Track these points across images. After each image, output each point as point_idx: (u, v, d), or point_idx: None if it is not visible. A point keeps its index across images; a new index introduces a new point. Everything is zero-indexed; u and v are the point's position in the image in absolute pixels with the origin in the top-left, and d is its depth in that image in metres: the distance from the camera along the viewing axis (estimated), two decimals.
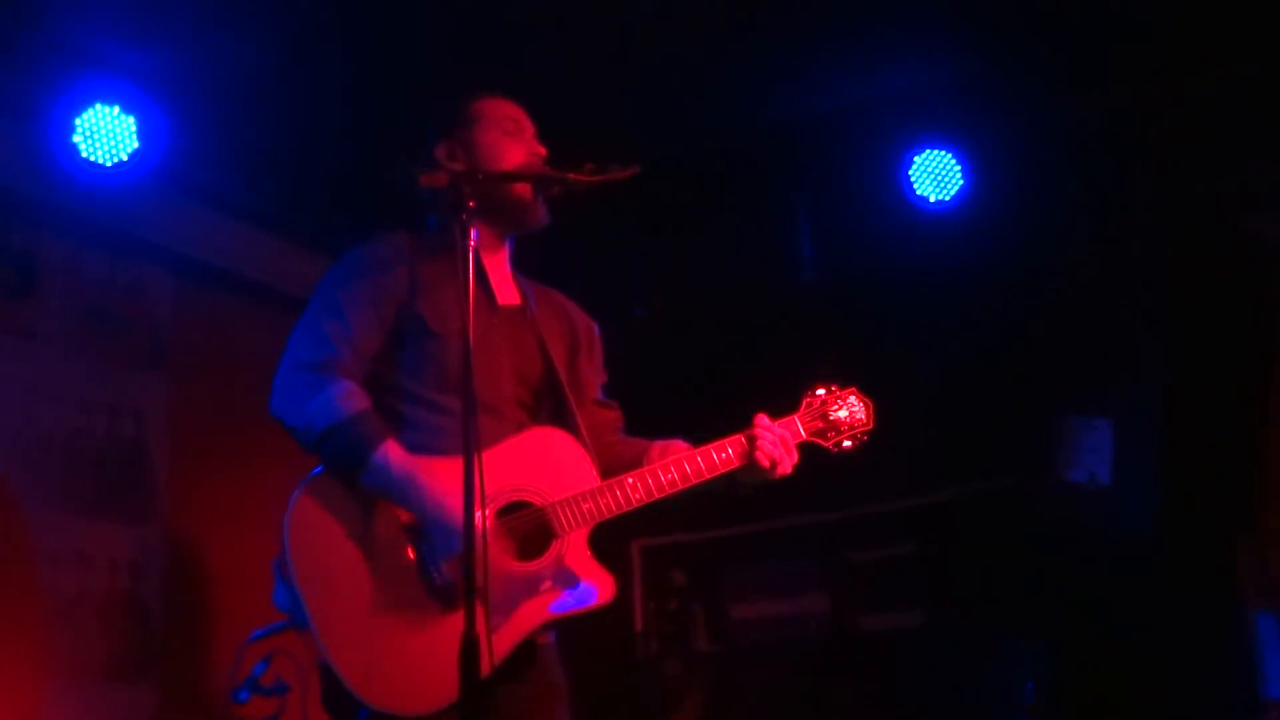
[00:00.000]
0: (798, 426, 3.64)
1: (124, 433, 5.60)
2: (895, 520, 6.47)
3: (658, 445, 3.65)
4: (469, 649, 2.78)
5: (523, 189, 3.58)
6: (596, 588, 3.38)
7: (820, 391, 3.72)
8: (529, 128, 3.69)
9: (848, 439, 3.70)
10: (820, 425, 3.68)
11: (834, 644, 6.48)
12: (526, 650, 3.34)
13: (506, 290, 3.69)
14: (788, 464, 3.57)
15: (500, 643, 3.24)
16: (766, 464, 3.52)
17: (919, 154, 5.84)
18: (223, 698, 4.99)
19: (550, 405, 3.61)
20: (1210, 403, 5.59)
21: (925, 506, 6.39)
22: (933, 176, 5.85)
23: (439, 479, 3.29)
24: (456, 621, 2.85)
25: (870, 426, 3.73)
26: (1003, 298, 6.05)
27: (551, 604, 3.35)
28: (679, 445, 3.63)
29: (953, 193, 5.85)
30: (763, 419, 3.58)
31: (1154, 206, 5.77)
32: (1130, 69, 5.51)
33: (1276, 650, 5.46)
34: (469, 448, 2.91)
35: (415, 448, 3.36)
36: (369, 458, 3.28)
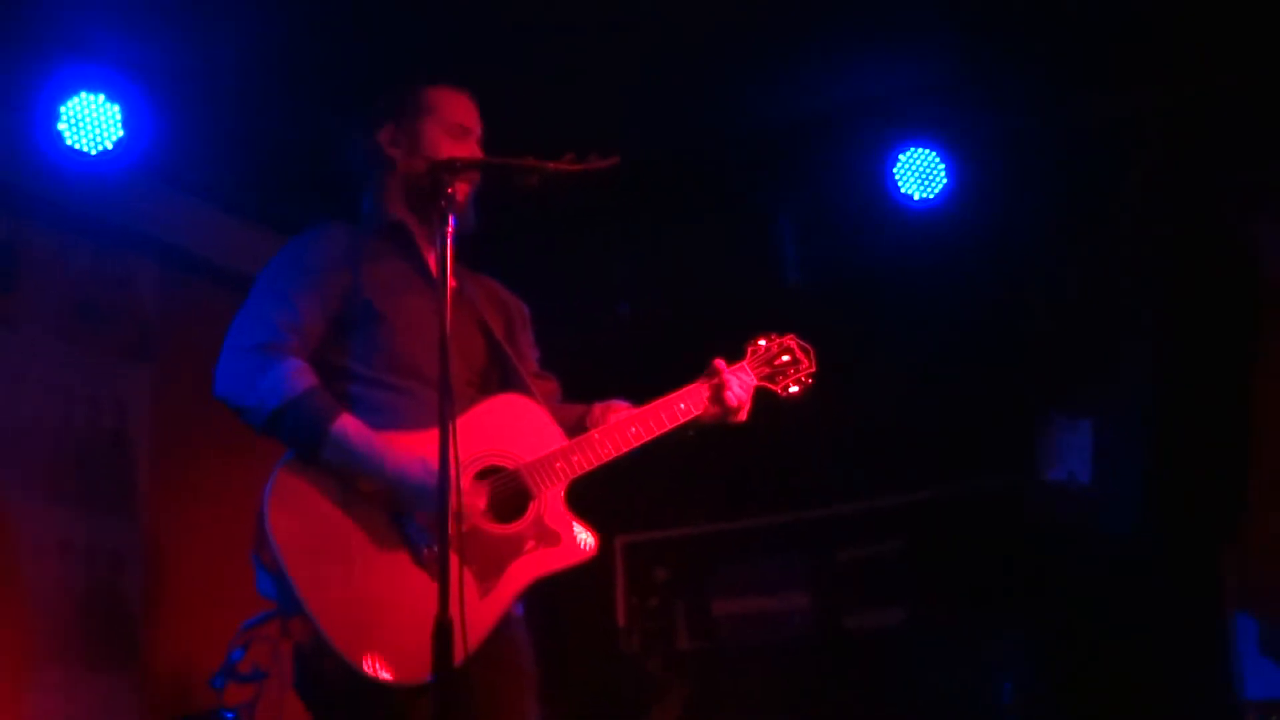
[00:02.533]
0: (750, 372, 3.77)
1: (106, 424, 5.61)
2: (879, 518, 6.46)
3: (598, 406, 3.72)
4: (442, 632, 2.81)
5: (462, 194, 3.55)
6: (580, 541, 3.46)
7: (762, 342, 3.85)
8: (475, 130, 3.69)
9: (794, 384, 3.84)
10: (768, 371, 3.82)
11: (817, 642, 6.48)
12: (502, 623, 3.36)
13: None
14: (746, 409, 3.71)
15: (493, 605, 3.31)
16: (735, 404, 3.66)
17: (903, 152, 5.86)
18: (202, 686, 4.99)
19: (496, 380, 3.65)
20: (1195, 405, 5.60)
21: (909, 505, 6.39)
22: (917, 175, 5.86)
23: (403, 449, 3.30)
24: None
25: (814, 370, 3.87)
26: (988, 297, 6.06)
27: (538, 561, 3.40)
28: (620, 404, 3.70)
29: (937, 191, 5.86)
30: (721, 364, 3.70)
31: (1141, 208, 5.78)
32: (1118, 70, 5.54)
33: (1255, 651, 5.48)
34: (444, 418, 2.95)
35: (371, 427, 3.36)
36: (327, 430, 3.28)
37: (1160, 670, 5.50)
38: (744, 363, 3.78)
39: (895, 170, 5.88)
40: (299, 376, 3.34)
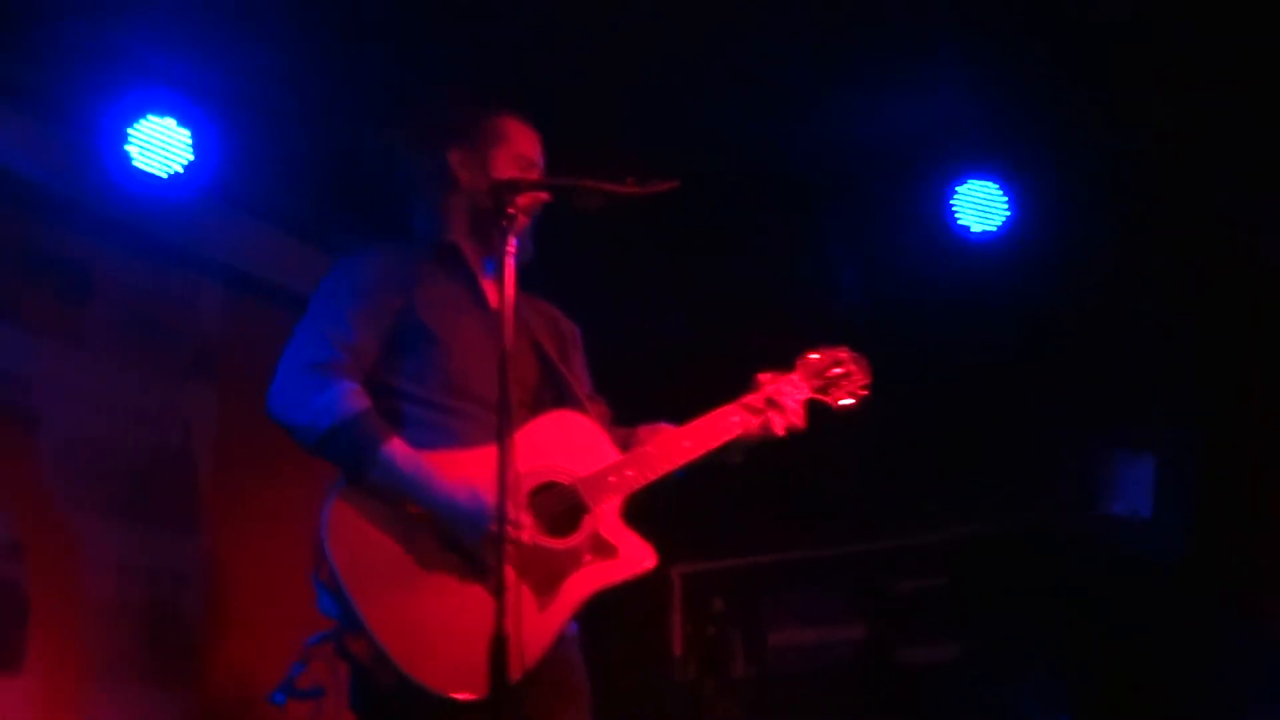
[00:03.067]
0: (801, 385, 3.72)
1: (169, 442, 5.67)
2: (934, 552, 6.47)
3: (644, 428, 3.71)
4: (498, 646, 2.83)
5: (521, 224, 3.53)
6: (637, 555, 3.46)
7: (814, 355, 3.79)
8: (539, 166, 3.73)
9: (847, 396, 3.78)
10: (820, 383, 3.76)
11: (870, 674, 6.47)
12: (557, 641, 3.38)
13: (494, 296, 3.69)
14: (799, 421, 3.66)
15: (551, 619, 3.33)
16: (784, 426, 3.62)
17: (962, 184, 5.85)
18: (261, 703, 5.03)
19: (551, 399, 3.66)
20: (1250, 437, 5.56)
21: (964, 538, 6.38)
22: (977, 207, 5.85)
23: (452, 472, 3.34)
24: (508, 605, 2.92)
25: (867, 381, 3.80)
26: (1047, 330, 6.04)
27: (595, 575, 3.41)
28: (666, 427, 3.68)
29: (998, 224, 5.85)
30: (768, 377, 3.67)
31: (1198, 241, 5.75)
32: (1180, 104, 5.50)
33: None
34: (503, 436, 2.99)
35: (422, 446, 3.39)
36: (376, 453, 3.31)
37: (1217, 703, 5.45)
38: (794, 374, 3.73)
39: (954, 202, 5.87)
40: (352, 398, 3.37)
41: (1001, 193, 5.83)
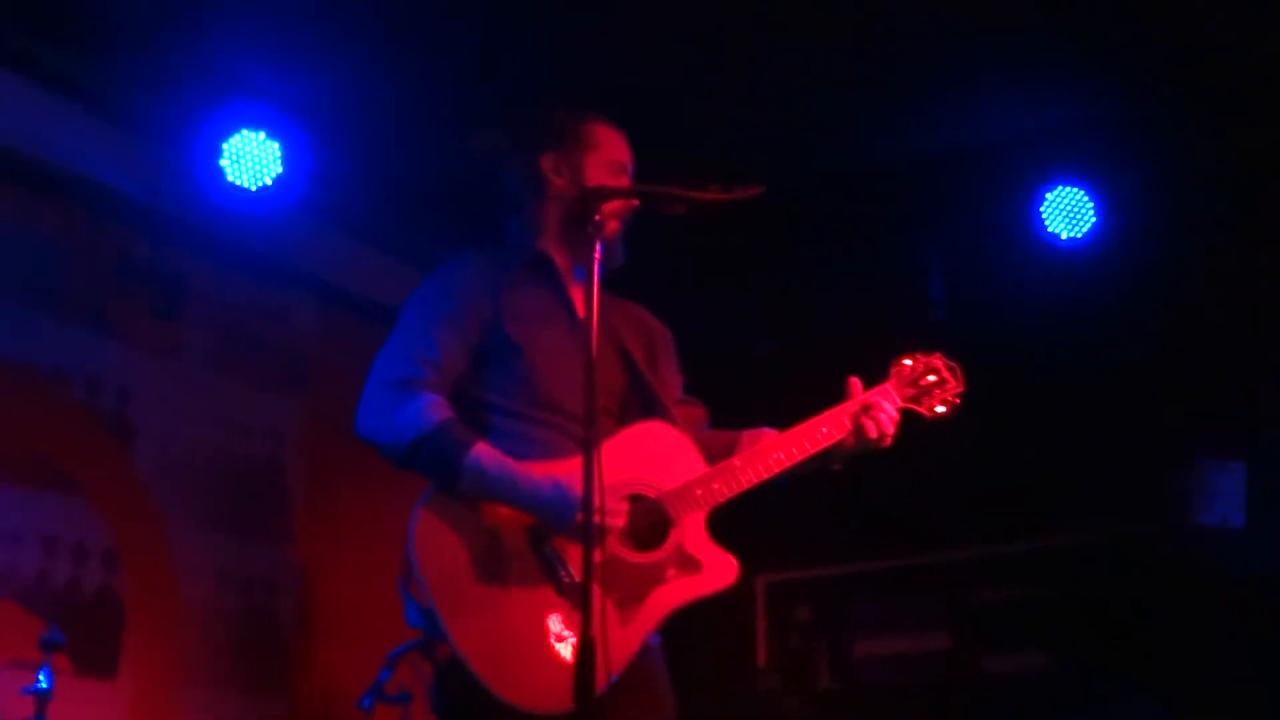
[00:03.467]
0: (893, 394, 3.64)
1: (261, 453, 5.76)
2: (1022, 561, 6.42)
3: (747, 433, 3.66)
4: (585, 651, 2.84)
5: (612, 230, 3.59)
6: (720, 570, 3.42)
7: (907, 362, 3.71)
8: (630, 171, 3.71)
9: (940, 404, 3.69)
10: (913, 392, 3.67)
11: (957, 684, 6.42)
12: (640, 653, 3.37)
13: (584, 304, 3.71)
14: (891, 433, 3.57)
15: (634, 633, 3.31)
16: (876, 435, 3.53)
17: (1051, 191, 5.81)
18: (349, 711, 5.08)
19: (637, 408, 3.64)
20: None
21: (1053, 548, 6.33)
22: (1065, 214, 5.81)
23: (540, 479, 3.34)
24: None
25: (961, 389, 3.71)
26: (1135, 338, 5.98)
27: (679, 589, 3.39)
28: (769, 432, 3.63)
29: (1085, 230, 5.80)
30: (858, 385, 3.59)
31: None
32: (1269, 108, 5.44)
33: None
34: (588, 448, 2.98)
35: (510, 456, 3.39)
36: (463, 461, 3.31)
37: None
38: (887, 384, 3.66)
39: (1042, 209, 5.83)
40: (434, 410, 3.37)
41: (1089, 199, 5.78)
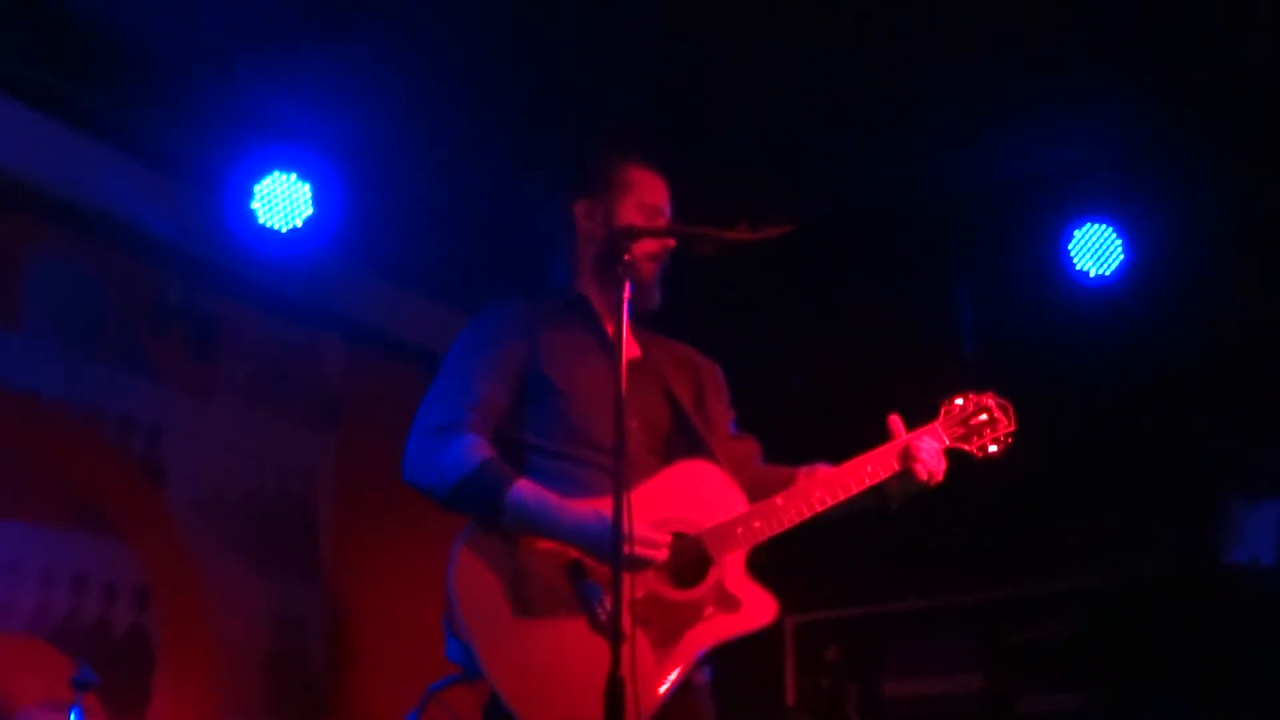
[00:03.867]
0: (941, 434, 3.63)
1: (293, 491, 5.78)
2: (1055, 600, 6.38)
3: (803, 469, 3.66)
4: (613, 690, 2.84)
5: (649, 271, 3.65)
6: (759, 608, 3.43)
7: (959, 401, 3.70)
8: (667, 213, 3.74)
9: (991, 443, 3.68)
10: (962, 431, 3.67)
11: None
12: (682, 691, 3.37)
13: (627, 346, 3.73)
14: (940, 473, 3.56)
15: (669, 670, 3.32)
16: (925, 467, 3.52)
17: (1079, 228, 5.81)
18: None
19: (682, 447, 3.65)
20: None
21: (1086, 587, 6.29)
22: (1093, 251, 5.80)
23: (582, 511, 3.37)
24: (624, 655, 2.91)
25: (1013, 429, 3.70)
26: (1165, 376, 5.96)
27: (717, 628, 3.40)
28: (823, 467, 3.64)
29: (1113, 268, 5.80)
30: (899, 424, 3.59)
31: None
32: None
33: None
34: (619, 488, 3.01)
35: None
36: (505, 497, 3.36)
37: None
38: (935, 424, 3.66)
39: (1071, 246, 5.83)
40: (475, 451, 3.43)
41: (1117, 236, 5.77)
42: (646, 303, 3.69)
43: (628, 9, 4.80)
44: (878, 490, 3.57)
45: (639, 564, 3.24)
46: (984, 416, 3.70)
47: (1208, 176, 5.56)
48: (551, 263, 3.82)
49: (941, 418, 3.68)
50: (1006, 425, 3.70)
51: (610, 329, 3.66)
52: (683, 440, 3.67)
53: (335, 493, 5.91)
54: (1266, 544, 5.71)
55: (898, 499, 3.60)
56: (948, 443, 3.64)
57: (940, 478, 3.57)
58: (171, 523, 5.28)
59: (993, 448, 3.68)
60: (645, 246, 3.60)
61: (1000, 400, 3.73)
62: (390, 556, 5.83)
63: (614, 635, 2.89)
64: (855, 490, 3.53)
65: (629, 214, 3.67)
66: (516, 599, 3.34)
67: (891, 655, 6.73)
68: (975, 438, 3.67)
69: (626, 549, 3.05)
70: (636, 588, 3.28)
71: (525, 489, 3.38)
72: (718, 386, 3.86)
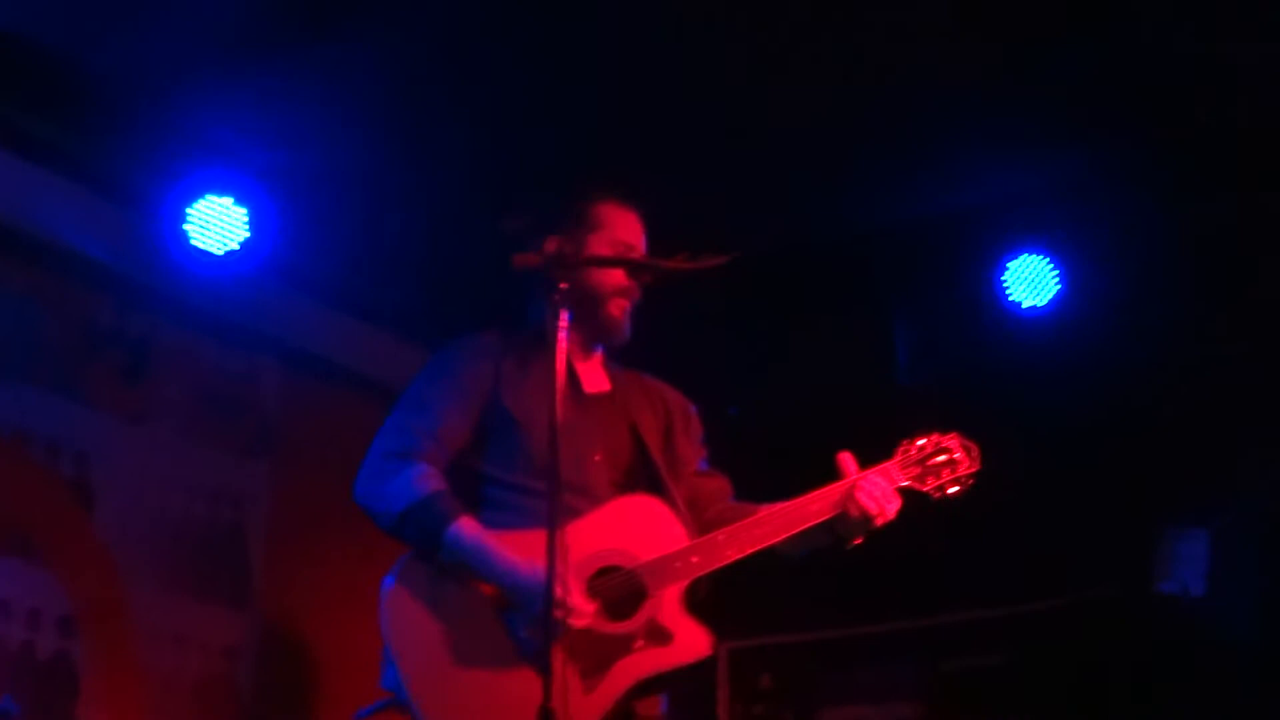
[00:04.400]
0: (894, 473, 3.60)
1: (225, 517, 5.72)
2: (991, 629, 6.40)
3: (765, 507, 3.65)
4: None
5: (616, 309, 3.71)
6: (690, 643, 3.44)
7: (921, 441, 3.68)
8: (639, 249, 3.77)
9: (952, 484, 3.66)
10: (919, 471, 3.64)
11: None
12: None
13: (593, 379, 3.82)
14: (889, 511, 3.53)
15: (597, 703, 3.33)
16: (857, 514, 3.49)
17: (1014, 259, 5.85)
18: None
19: (644, 482, 3.68)
20: None
21: (1022, 615, 6.32)
22: (1027, 282, 5.85)
23: (515, 549, 3.39)
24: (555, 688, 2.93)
25: (976, 469, 3.68)
26: (1100, 405, 6.01)
27: (645, 661, 3.41)
28: (778, 505, 3.63)
29: (1048, 299, 5.84)
30: (850, 462, 3.58)
31: (1258, 319, 5.71)
32: (1237, 178, 5.50)
33: None
34: (553, 521, 3.02)
35: (499, 526, 3.48)
36: (443, 533, 3.40)
37: None
38: (889, 463, 3.63)
39: (1005, 277, 5.87)
40: (423, 481, 3.47)
41: (1052, 267, 5.82)
42: (615, 339, 3.76)
43: (575, 38, 4.82)
44: (829, 528, 3.56)
45: (559, 627, 3.23)
46: (943, 457, 3.66)
47: (1142, 209, 5.62)
48: (526, 298, 3.82)
49: (898, 456, 3.65)
50: (969, 466, 3.68)
51: (579, 365, 3.71)
52: (643, 478, 3.69)
53: (268, 520, 5.84)
54: (1197, 574, 5.76)
55: (851, 536, 3.58)
56: (901, 482, 3.61)
57: (891, 516, 3.54)
58: (99, 548, 5.21)
59: (953, 489, 3.65)
60: (613, 279, 3.66)
61: (965, 441, 3.71)
62: (323, 585, 5.79)
63: (545, 667, 2.89)
64: (797, 528, 3.52)
65: (599, 250, 3.69)
66: (446, 627, 3.38)
67: (827, 683, 6.74)
68: (931, 478, 3.64)
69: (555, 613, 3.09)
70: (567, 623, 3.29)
71: (465, 528, 3.42)
72: (688, 424, 3.89)
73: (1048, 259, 5.82)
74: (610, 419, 3.71)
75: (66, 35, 4.73)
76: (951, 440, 3.70)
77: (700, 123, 5.26)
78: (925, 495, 3.64)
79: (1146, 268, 5.74)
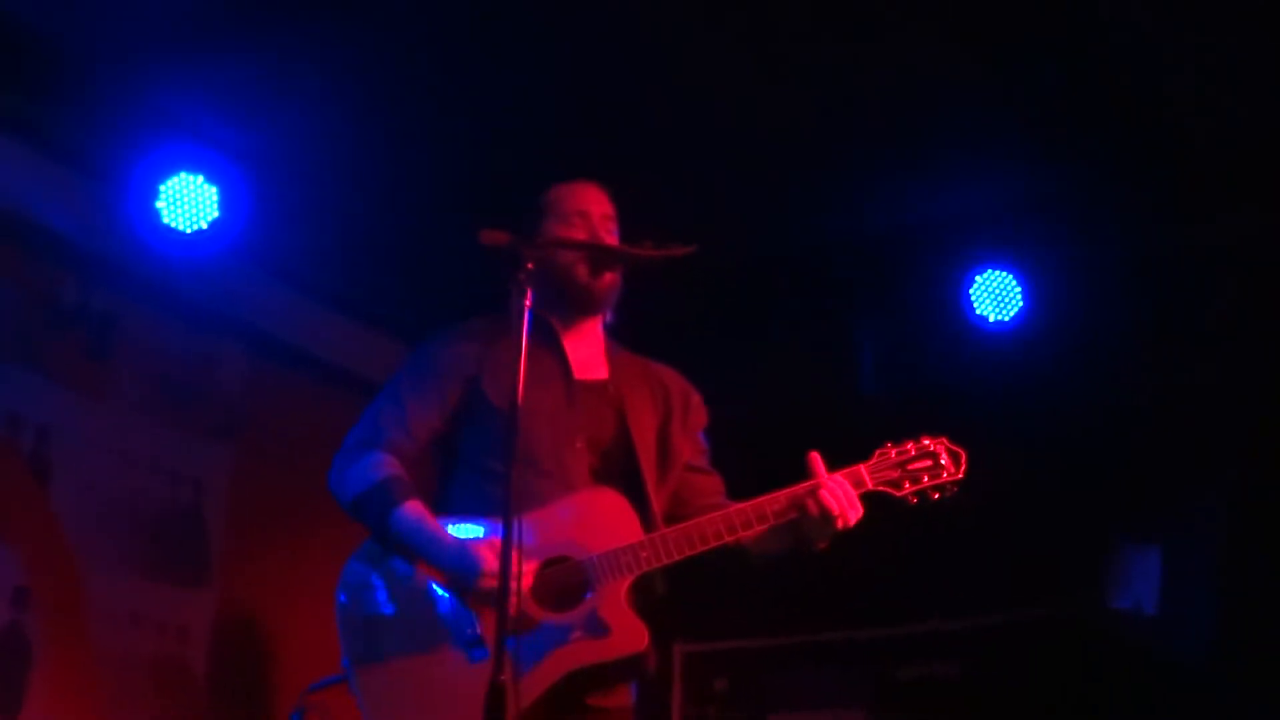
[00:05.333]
0: (863, 475, 3.51)
1: (184, 499, 5.71)
2: (942, 640, 6.43)
3: (734, 505, 3.60)
4: (494, 696, 2.86)
5: (579, 270, 3.69)
6: (628, 637, 3.42)
7: (908, 445, 3.57)
8: (596, 211, 3.77)
9: (933, 489, 3.53)
10: (895, 475, 3.52)
11: None
12: (597, 714, 3.48)
13: (590, 365, 3.79)
14: (850, 515, 3.44)
15: (528, 690, 3.33)
16: (817, 513, 3.42)
17: (980, 274, 5.90)
18: None
19: (624, 475, 3.67)
20: (1270, 532, 5.53)
21: (973, 628, 6.35)
22: (993, 297, 5.89)
23: (450, 543, 3.46)
24: (485, 673, 2.94)
25: (959, 477, 3.55)
26: (1058, 422, 6.05)
27: (579, 651, 3.41)
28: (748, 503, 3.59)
29: (1012, 314, 5.89)
30: (818, 462, 3.49)
31: (1223, 336, 5.75)
32: (1202, 201, 5.55)
33: None
34: (509, 507, 3.04)
35: (469, 510, 3.55)
36: (391, 517, 3.48)
37: None
38: (860, 466, 3.52)
39: (971, 291, 5.91)
40: (378, 467, 3.57)
41: (1017, 283, 5.87)
42: (589, 302, 3.73)
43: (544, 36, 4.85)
44: (792, 530, 3.51)
45: (486, 595, 3.31)
46: (927, 462, 3.55)
47: (1107, 225, 5.67)
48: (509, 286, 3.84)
49: (873, 460, 3.55)
50: (952, 472, 3.55)
51: (570, 353, 3.73)
52: (626, 466, 3.67)
53: (228, 502, 5.83)
54: (1149, 590, 5.80)
55: (814, 539, 3.51)
56: (870, 485, 3.50)
57: (852, 521, 3.44)
58: (55, 523, 5.18)
59: (935, 494, 3.53)
60: (565, 253, 3.65)
61: (951, 447, 3.60)
62: (281, 568, 5.79)
63: (498, 644, 2.92)
64: (755, 528, 3.48)
65: (551, 231, 3.72)
66: (397, 615, 3.48)
67: (779, 688, 6.75)
68: (908, 482, 3.52)
69: (481, 583, 3.28)
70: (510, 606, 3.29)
71: (408, 512, 3.49)
72: (688, 415, 3.86)
73: (1013, 275, 5.87)
74: (598, 407, 3.70)
75: (39, 6, 4.72)
76: (938, 445, 3.59)
77: (667, 132, 5.30)
78: (900, 501, 3.53)
79: (1109, 287, 5.79)
